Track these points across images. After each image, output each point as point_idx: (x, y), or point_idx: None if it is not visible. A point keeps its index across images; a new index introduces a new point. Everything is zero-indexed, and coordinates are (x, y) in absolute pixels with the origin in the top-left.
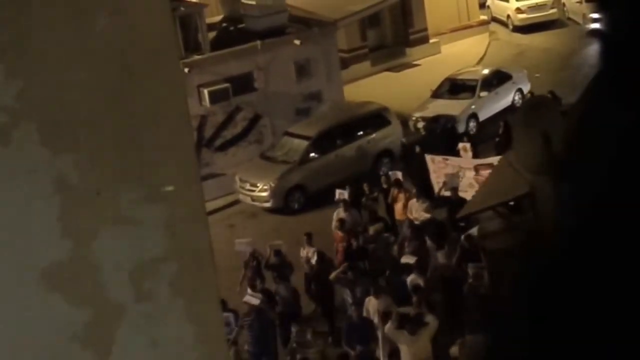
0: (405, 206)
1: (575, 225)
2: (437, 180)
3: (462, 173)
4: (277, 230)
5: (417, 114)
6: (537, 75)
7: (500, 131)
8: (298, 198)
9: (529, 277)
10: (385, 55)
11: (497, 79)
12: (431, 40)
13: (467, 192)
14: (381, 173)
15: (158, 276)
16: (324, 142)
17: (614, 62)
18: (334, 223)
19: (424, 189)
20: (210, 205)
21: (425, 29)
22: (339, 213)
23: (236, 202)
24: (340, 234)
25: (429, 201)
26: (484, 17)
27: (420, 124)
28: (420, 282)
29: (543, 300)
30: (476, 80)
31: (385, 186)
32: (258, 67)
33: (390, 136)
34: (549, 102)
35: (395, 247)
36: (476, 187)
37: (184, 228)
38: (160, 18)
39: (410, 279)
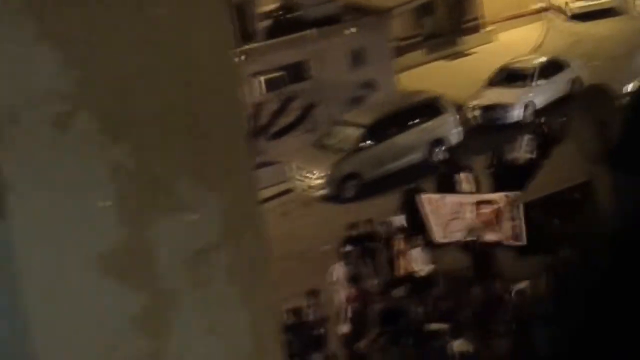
0: (409, 265)
1: (635, 216)
2: (435, 222)
3: (462, 213)
4: (332, 219)
5: (472, 103)
6: (594, 63)
7: (491, 160)
8: (352, 186)
9: (590, 274)
10: (440, 44)
11: (554, 68)
12: (486, 29)
13: (467, 232)
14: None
15: (213, 263)
16: (378, 130)
17: None
18: (334, 278)
19: None
20: (265, 193)
21: (481, 17)
22: (339, 267)
23: (290, 190)
24: (350, 291)
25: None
26: (540, 5)
27: (476, 113)
28: (469, 348)
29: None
30: (532, 69)
31: (384, 236)
32: (313, 55)
33: (444, 125)
34: (606, 91)
35: (419, 309)
36: (478, 226)
37: (239, 216)
38: (217, 6)
39: (457, 345)
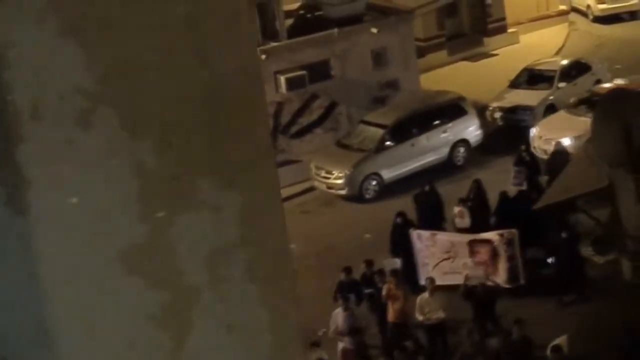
0: (403, 307)
1: None
2: (424, 261)
3: (454, 252)
4: (352, 218)
5: (495, 104)
6: (617, 66)
7: (470, 191)
8: (374, 186)
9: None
10: (463, 45)
11: (576, 70)
12: (509, 30)
13: (461, 274)
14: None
15: (234, 261)
16: (400, 130)
17: None
18: (335, 327)
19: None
20: (286, 192)
21: (504, 19)
22: (340, 315)
23: (311, 189)
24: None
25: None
26: (563, 7)
27: (498, 114)
28: None
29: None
30: (555, 71)
31: (380, 285)
32: (335, 54)
33: (466, 126)
34: (629, 94)
35: None
36: (471, 268)
37: (260, 214)
38: (239, 5)
39: None
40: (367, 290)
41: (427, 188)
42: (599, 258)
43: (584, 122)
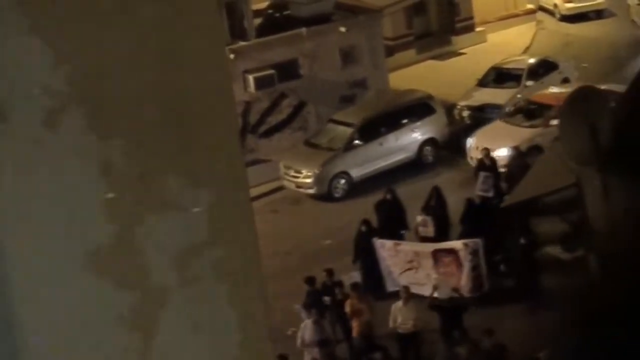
0: (367, 324)
1: (625, 220)
2: (389, 269)
3: (418, 262)
4: (321, 217)
5: (463, 103)
6: (584, 65)
7: (430, 196)
8: (342, 185)
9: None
10: (431, 44)
11: (544, 69)
12: (477, 29)
13: (426, 286)
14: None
15: (202, 261)
16: (368, 129)
17: None
18: (303, 339)
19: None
20: (255, 191)
21: (472, 18)
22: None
23: (280, 188)
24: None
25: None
26: (530, 6)
27: (466, 113)
28: None
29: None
30: (522, 70)
31: (339, 297)
32: (303, 54)
33: (435, 124)
34: (596, 92)
35: None
36: (435, 278)
37: (229, 213)
38: (207, 5)
39: None
40: (325, 298)
41: (388, 196)
42: (567, 255)
43: (521, 131)
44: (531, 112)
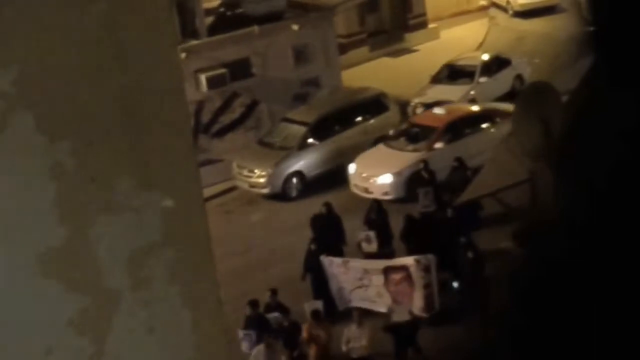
0: (324, 350)
1: (575, 215)
2: (340, 286)
3: (368, 280)
4: (275, 217)
5: (416, 100)
6: (536, 60)
7: (370, 209)
8: (296, 184)
9: (529, 272)
10: (384, 41)
11: (497, 65)
12: (430, 26)
13: (376, 303)
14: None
15: (155, 263)
16: (322, 128)
17: (608, 46)
18: None
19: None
20: (208, 192)
21: (424, 14)
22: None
23: (234, 188)
24: None
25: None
26: (483, 3)
27: (420, 110)
28: None
29: (542, 296)
30: (475, 66)
31: (285, 324)
32: (256, 52)
33: (388, 122)
34: (549, 88)
35: None
36: (387, 296)
37: (181, 214)
38: (158, 3)
39: None
40: (273, 315)
41: (324, 210)
42: (518, 250)
43: (404, 156)
44: (414, 135)
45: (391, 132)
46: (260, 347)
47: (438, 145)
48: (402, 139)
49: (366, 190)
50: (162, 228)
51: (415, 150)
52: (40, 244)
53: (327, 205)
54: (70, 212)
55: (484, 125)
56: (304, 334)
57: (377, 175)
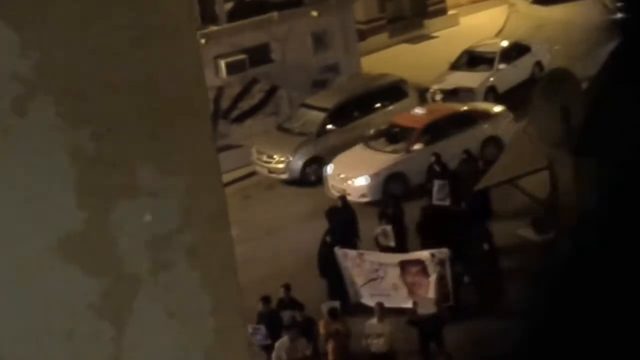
0: (343, 344)
1: (597, 202)
2: (352, 279)
3: (383, 272)
4: (294, 203)
5: (435, 86)
6: (556, 47)
7: (386, 204)
8: (315, 170)
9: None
10: (403, 27)
11: (516, 52)
12: (450, 12)
13: (391, 296)
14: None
15: (174, 247)
16: (341, 114)
17: (634, 34)
18: (279, 358)
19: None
20: (227, 177)
21: (444, 1)
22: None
23: (253, 173)
24: None
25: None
26: None
27: (438, 96)
28: None
29: (566, 289)
30: (495, 53)
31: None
32: (275, 38)
33: (407, 108)
34: (568, 75)
35: None
36: (403, 289)
37: (201, 199)
38: None
39: None
40: (286, 312)
41: (339, 204)
42: (537, 237)
43: (382, 157)
44: (394, 135)
45: (372, 131)
46: (285, 339)
47: (417, 146)
48: (381, 140)
49: (343, 192)
50: (182, 213)
51: (393, 152)
52: (60, 228)
53: (342, 198)
54: (90, 197)
55: (464, 126)
56: (321, 330)
57: (354, 177)
